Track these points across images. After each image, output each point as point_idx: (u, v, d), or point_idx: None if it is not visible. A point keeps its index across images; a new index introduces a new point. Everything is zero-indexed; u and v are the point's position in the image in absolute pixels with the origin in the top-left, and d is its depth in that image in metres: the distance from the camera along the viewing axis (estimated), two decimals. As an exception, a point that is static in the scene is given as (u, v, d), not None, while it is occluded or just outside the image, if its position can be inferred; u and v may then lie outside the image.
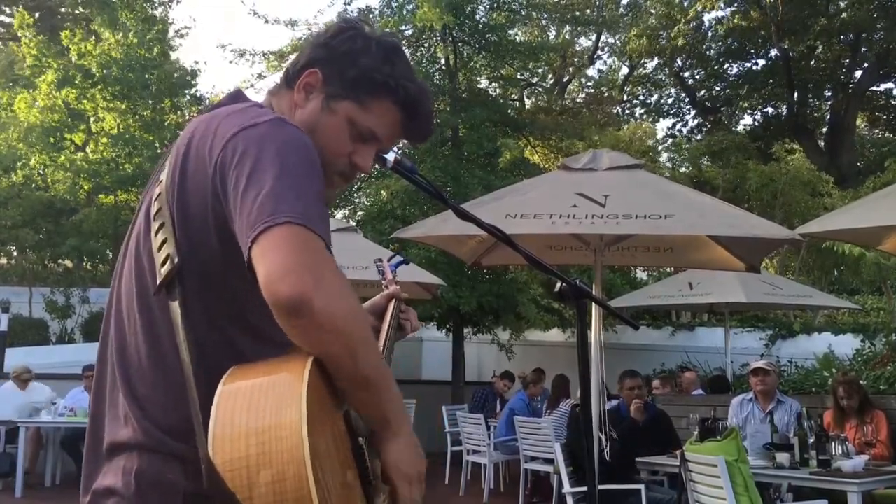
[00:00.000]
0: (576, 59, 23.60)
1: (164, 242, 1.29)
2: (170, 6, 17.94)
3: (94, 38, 15.58)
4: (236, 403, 1.11)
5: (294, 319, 1.13)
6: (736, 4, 22.45)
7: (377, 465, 1.31)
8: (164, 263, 1.28)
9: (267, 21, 18.89)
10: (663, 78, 25.02)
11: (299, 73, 1.45)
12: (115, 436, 1.30)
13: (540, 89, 22.06)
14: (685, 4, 22.29)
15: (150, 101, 15.43)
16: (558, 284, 1.80)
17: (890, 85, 24.03)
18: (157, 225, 1.31)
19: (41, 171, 15.20)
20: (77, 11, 16.78)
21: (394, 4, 14.68)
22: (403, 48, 1.52)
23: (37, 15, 20.77)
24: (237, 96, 1.46)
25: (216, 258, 1.27)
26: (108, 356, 1.37)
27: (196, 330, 1.26)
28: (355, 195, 15.19)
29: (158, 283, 1.28)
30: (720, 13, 22.38)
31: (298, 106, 1.44)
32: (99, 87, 14.73)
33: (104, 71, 14.65)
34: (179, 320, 1.24)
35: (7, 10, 19.95)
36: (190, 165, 1.31)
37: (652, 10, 22.94)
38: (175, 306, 1.25)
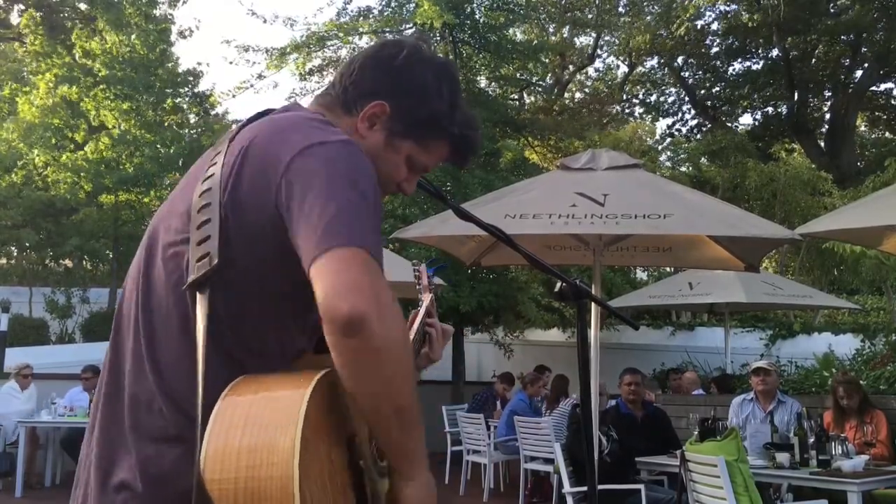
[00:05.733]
0: (576, 58, 23.57)
1: (206, 238, 1.27)
2: (173, 5, 17.89)
3: (98, 37, 15.56)
4: (234, 417, 1.09)
5: (348, 338, 1.12)
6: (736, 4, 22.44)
7: (377, 487, 1.31)
8: (201, 259, 1.26)
9: (266, 21, 19.16)
10: (663, 77, 24.99)
11: (363, 100, 1.45)
12: (141, 422, 1.28)
13: (539, 89, 22.04)
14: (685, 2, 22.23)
15: (152, 100, 15.41)
16: (558, 284, 1.80)
17: (890, 85, 24.07)
18: (202, 219, 1.29)
19: (41, 171, 15.17)
20: (80, 7, 16.73)
21: (393, 3, 14.66)
22: (456, 71, 1.57)
23: (41, 12, 20.74)
24: (293, 107, 1.48)
25: (262, 267, 1.27)
26: (123, 348, 1.35)
27: (218, 328, 1.25)
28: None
29: (193, 277, 1.26)
30: (724, 7, 22.31)
31: (361, 135, 1.45)
32: (102, 86, 14.73)
33: (108, 71, 14.64)
34: (204, 315, 1.23)
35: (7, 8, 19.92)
36: (249, 170, 1.29)
37: (649, 10, 22.87)
38: (203, 300, 1.24)
